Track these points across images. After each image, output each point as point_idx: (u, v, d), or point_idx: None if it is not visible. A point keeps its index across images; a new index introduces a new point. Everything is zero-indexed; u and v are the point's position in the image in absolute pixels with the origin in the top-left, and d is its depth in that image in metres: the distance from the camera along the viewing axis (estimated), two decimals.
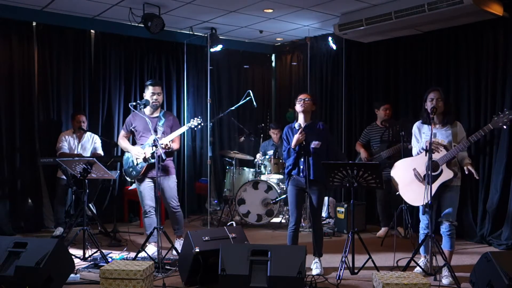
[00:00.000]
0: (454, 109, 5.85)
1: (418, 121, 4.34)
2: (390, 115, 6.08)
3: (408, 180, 4.26)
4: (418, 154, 4.26)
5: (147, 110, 4.96)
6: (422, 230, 4.29)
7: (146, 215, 4.95)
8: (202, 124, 4.88)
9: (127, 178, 5.08)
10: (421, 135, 4.28)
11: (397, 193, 4.45)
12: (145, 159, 4.79)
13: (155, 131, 4.80)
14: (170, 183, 4.94)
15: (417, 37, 6.28)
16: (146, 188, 4.91)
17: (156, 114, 4.97)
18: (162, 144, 4.59)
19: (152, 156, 4.68)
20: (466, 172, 4.12)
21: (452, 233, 4.15)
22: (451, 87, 5.93)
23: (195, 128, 4.89)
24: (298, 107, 4.43)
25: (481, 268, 3.50)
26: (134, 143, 5.13)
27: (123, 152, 5.42)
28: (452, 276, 3.93)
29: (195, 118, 4.88)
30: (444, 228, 4.13)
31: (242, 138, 7.32)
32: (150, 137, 4.76)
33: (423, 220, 4.26)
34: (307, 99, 4.42)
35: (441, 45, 6.07)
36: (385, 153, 5.84)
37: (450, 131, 4.16)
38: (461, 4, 4.97)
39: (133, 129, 4.97)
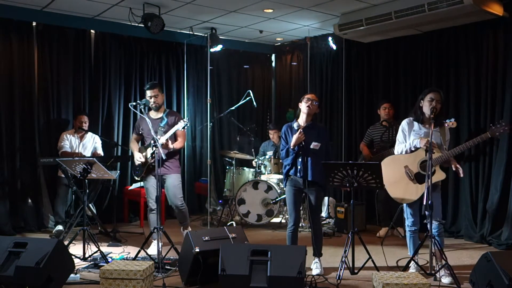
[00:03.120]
0: (453, 109, 5.88)
1: (408, 118, 4.32)
2: (391, 114, 6.06)
3: (398, 177, 4.25)
4: (406, 152, 4.24)
5: (152, 112, 5.21)
6: (409, 227, 4.29)
7: (152, 212, 5.08)
8: (188, 125, 4.98)
9: (136, 177, 5.33)
10: (410, 132, 4.27)
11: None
12: (144, 163, 5.07)
13: (156, 132, 4.92)
14: (174, 181, 5.11)
15: (417, 37, 6.28)
16: (152, 186, 5.07)
17: (159, 115, 5.17)
18: (161, 143, 4.74)
19: (152, 156, 4.93)
20: (454, 169, 4.19)
21: (441, 231, 4.17)
22: (451, 87, 5.93)
23: (182, 129, 4.95)
24: (305, 107, 4.37)
25: (481, 268, 3.49)
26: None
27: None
28: (452, 275, 3.93)
29: (183, 120, 4.92)
30: (433, 228, 4.12)
31: (238, 137, 7.34)
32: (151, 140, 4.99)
33: (409, 218, 4.26)
34: (315, 102, 4.38)
35: (441, 45, 6.07)
36: (386, 153, 5.84)
37: (439, 132, 4.17)
38: (461, 4, 4.97)
39: (141, 132, 5.24)
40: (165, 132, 4.96)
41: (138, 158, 5.08)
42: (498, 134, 4.10)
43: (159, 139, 4.77)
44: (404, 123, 4.33)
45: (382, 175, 4.30)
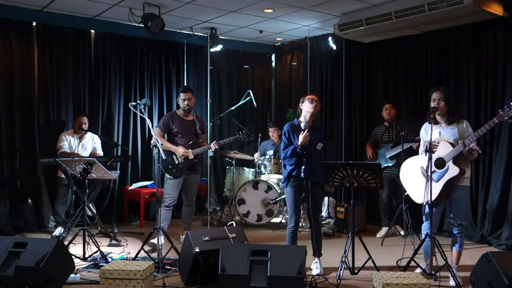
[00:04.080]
0: (457, 107, 5.85)
1: (426, 123, 4.31)
2: (393, 114, 6.04)
3: (415, 178, 4.23)
4: (422, 152, 4.26)
5: (182, 113, 5.50)
6: (424, 231, 4.24)
7: (167, 208, 5.31)
8: (245, 138, 5.69)
9: (167, 175, 5.42)
10: (427, 135, 4.25)
11: (406, 193, 4.42)
12: (188, 159, 5.34)
13: (196, 134, 5.49)
14: (198, 180, 5.60)
15: (417, 37, 6.28)
16: (177, 183, 5.38)
17: (190, 118, 5.53)
18: (212, 147, 5.41)
19: (195, 157, 5.38)
20: (471, 151, 3.97)
21: (462, 232, 4.14)
22: (451, 87, 5.92)
23: (240, 140, 5.69)
24: (309, 108, 4.36)
25: (481, 268, 3.49)
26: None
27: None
28: (452, 275, 3.92)
29: (240, 132, 5.67)
30: (453, 228, 4.13)
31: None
32: (193, 140, 5.44)
33: (426, 221, 4.22)
34: (318, 103, 4.40)
35: (441, 45, 6.08)
36: (388, 153, 5.86)
37: (456, 129, 4.12)
38: (461, 4, 4.97)
39: (173, 130, 5.44)
40: (199, 136, 5.52)
41: (184, 152, 5.32)
42: (507, 118, 3.91)
43: (200, 141, 5.47)
44: (422, 129, 4.34)
45: (402, 180, 4.34)
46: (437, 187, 4.04)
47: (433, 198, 4.01)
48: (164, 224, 5.16)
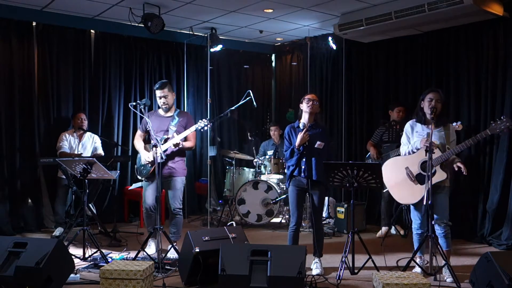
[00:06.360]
0: (453, 109, 5.87)
1: (412, 120, 4.33)
2: (403, 117, 6.02)
3: (399, 178, 4.25)
4: (409, 153, 4.25)
5: (161, 110, 5.05)
6: (415, 230, 4.29)
7: (146, 212, 5.05)
8: (209, 125, 4.91)
9: (138, 177, 5.17)
10: (413, 134, 4.27)
11: (385, 190, 4.45)
12: (152, 163, 4.87)
13: (167, 130, 4.89)
14: (178, 184, 4.96)
15: (417, 37, 6.28)
16: (151, 186, 4.97)
17: (169, 114, 5.03)
18: (172, 143, 4.73)
19: (161, 156, 4.64)
20: (456, 169, 4.13)
21: (448, 233, 4.17)
22: (451, 87, 5.93)
23: (202, 130, 4.90)
24: (306, 107, 4.39)
25: (481, 268, 3.49)
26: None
27: (135, 150, 5.29)
28: (452, 275, 3.93)
29: (203, 120, 4.91)
30: (439, 229, 4.13)
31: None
32: (163, 138, 4.87)
33: (416, 220, 4.27)
34: (316, 102, 4.40)
35: (441, 45, 6.07)
36: (393, 153, 5.85)
37: (443, 132, 4.17)
38: (461, 4, 4.97)
39: (148, 129, 4.97)
40: (177, 132, 4.87)
41: (147, 158, 4.89)
42: (499, 130, 3.96)
43: (172, 137, 4.79)
44: (407, 125, 4.34)
45: (384, 177, 4.31)
46: (423, 190, 4.04)
47: (419, 199, 4.08)
48: (149, 228, 4.91)
